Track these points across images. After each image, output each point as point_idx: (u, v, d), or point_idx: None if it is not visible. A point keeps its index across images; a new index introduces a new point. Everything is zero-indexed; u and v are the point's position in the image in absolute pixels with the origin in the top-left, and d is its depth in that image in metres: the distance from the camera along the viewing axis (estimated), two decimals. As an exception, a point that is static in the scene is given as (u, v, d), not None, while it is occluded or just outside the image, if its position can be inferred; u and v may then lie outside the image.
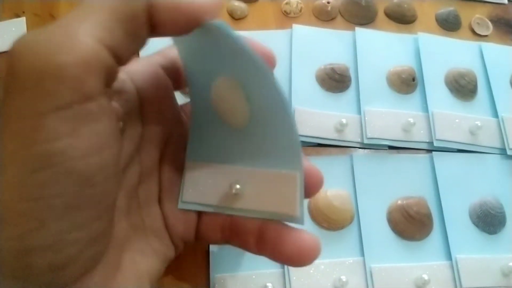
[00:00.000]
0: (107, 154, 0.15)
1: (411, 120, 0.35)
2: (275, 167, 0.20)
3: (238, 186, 0.20)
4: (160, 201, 0.22)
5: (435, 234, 0.32)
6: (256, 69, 0.18)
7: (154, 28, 0.16)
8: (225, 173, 0.21)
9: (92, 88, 0.14)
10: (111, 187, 0.16)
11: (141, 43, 0.17)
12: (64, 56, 0.13)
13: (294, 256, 0.19)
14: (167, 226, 0.21)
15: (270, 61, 0.21)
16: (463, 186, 0.34)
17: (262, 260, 0.30)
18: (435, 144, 0.35)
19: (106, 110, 0.15)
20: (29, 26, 0.37)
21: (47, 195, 0.13)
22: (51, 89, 0.13)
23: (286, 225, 0.20)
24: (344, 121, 0.35)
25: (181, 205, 0.22)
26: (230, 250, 0.30)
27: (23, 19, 0.37)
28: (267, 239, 0.20)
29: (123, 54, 0.16)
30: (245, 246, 0.21)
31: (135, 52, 0.17)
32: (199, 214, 0.22)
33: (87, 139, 0.14)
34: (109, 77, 0.15)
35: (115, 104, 0.19)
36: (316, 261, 0.30)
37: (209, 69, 0.20)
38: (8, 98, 0.14)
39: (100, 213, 0.15)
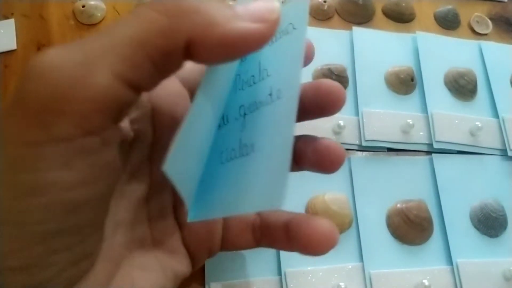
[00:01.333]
0: (100, 186, 0.14)
1: (410, 121, 0.34)
2: None
3: None
4: (175, 212, 0.21)
5: (435, 238, 0.32)
6: None
7: (190, 58, 0.15)
8: None
9: (96, 124, 0.13)
10: (99, 214, 0.15)
11: (171, 73, 0.16)
12: (73, 91, 0.13)
13: (307, 245, 0.18)
14: (186, 239, 0.20)
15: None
16: (464, 188, 0.34)
17: (259, 267, 0.29)
18: (435, 145, 0.35)
19: (109, 142, 0.14)
20: (18, 27, 0.36)
21: (28, 222, 0.13)
22: (52, 121, 0.13)
23: (306, 215, 0.20)
24: (341, 123, 0.34)
25: (191, 218, 0.19)
26: (225, 258, 0.29)
27: (12, 21, 0.36)
28: (292, 231, 0.19)
29: (148, 85, 0.15)
30: (277, 244, 0.21)
31: (163, 80, 0.16)
32: (225, 220, 0.21)
33: (81, 172, 0.14)
34: (123, 111, 0.15)
35: (125, 121, 0.18)
36: (314, 268, 0.29)
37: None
38: (10, 120, 0.13)
39: (84, 238, 0.15)
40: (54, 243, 0.14)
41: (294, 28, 0.19)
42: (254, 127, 0.19)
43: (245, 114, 0.20)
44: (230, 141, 0.20)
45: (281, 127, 0.17)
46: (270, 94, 0.19)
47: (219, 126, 0.21)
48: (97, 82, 0.13)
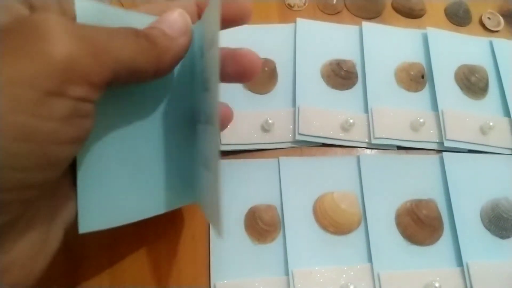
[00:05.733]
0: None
1: (421, 119, 0.34)
2: None
3: None
4: None
5: (446, 238, 0.31)
6: None
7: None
8: None
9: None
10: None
11: None
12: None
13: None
14: None
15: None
16: (474, 188, 0.33)
17: (266, 266, 0.29)
18: (446, 144, 0.34)
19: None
20: None
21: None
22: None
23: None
24: (350, 120, 0.33)
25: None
26: (231, 257, 0.29)
27: None
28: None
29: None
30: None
31: None
32: None
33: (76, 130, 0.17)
34: None
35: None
36: (322, 268, 0.29)
37: None
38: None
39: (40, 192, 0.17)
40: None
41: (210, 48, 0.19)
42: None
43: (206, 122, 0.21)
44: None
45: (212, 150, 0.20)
46: (205, 113, 0.21)
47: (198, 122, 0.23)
48: None
